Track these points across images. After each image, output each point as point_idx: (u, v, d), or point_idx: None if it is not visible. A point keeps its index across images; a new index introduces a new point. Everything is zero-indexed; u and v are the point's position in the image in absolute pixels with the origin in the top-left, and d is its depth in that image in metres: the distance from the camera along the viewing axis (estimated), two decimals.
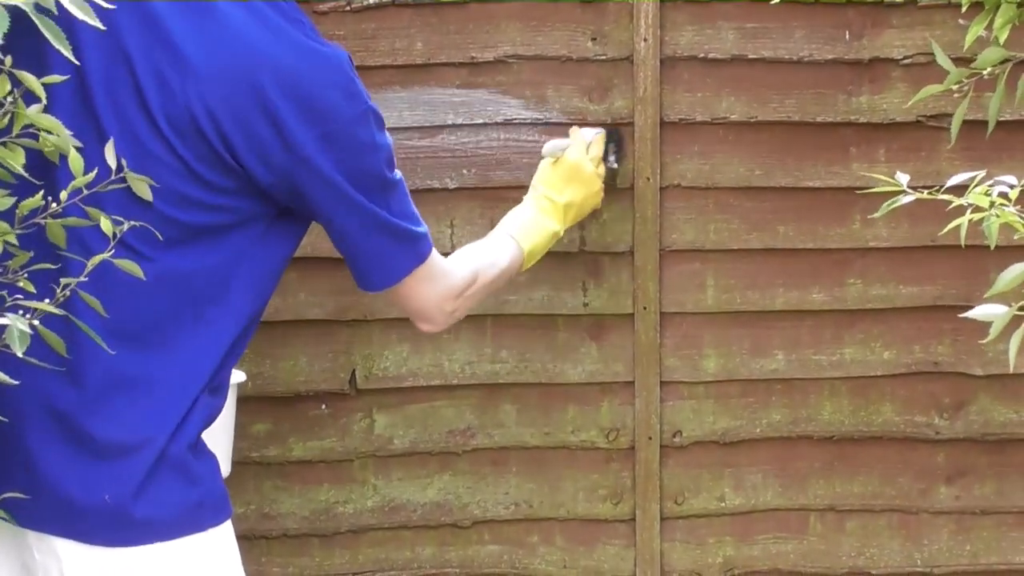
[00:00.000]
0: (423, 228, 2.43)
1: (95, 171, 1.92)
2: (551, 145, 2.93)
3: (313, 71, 2.24)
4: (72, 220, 1.92)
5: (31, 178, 1.94)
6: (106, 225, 1.95)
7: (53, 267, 1.98)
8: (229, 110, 2.20)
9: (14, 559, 2.30)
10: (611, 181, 3.04)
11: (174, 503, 2.25)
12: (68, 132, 1.90)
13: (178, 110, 2.21)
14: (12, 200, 1.89)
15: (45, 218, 1.90)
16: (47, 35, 1.67)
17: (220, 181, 2.24)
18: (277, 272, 2.38)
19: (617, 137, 3.05)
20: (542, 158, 2.93)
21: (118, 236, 1.95)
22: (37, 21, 1.66)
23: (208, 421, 2.30)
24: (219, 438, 2.73)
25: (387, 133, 2.35)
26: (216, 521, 2.31)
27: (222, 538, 2.32)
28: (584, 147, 2.93)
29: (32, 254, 1.94)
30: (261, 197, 2.27)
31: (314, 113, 2.23)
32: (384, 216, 2.35)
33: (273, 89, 2.21)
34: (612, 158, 3.04)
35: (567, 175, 2.89)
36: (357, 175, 2.30)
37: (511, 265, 2.72)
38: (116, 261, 1.95)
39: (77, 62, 1.92)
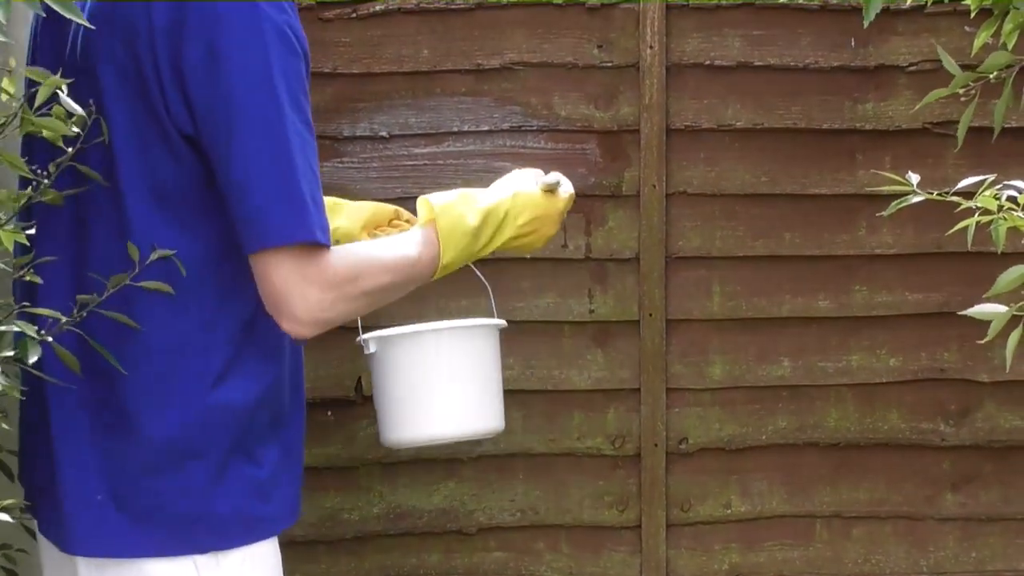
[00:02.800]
0: (317, 207, 2.06)
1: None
2: (548, 177, 2.48)
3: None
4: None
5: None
6: (132, 251, 1.95)
7: (52, 258, 1.98)
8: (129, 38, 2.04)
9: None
10: None
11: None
12: (72, 131, 1.91)
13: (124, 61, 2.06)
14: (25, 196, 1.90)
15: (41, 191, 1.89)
16: (53, 5, 1.69)
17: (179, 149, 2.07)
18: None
19: None
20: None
21: (147, 262, 1.94)
22: None
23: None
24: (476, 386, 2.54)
25: (299, 62, 2.07)
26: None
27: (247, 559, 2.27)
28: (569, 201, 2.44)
29: (33, 254, 1.95)
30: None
31: (202, 29, 2.00)
32: (272, 169, 2.04)
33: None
34: None
35: (544, 211, 2.39)
36: (247, 97, 2.03)
37: (421, 271, 2.27)
38: (143, 284, 1.94)
39: (92, 26, 1.90)
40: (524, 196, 2.36)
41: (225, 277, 2.10)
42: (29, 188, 1.90)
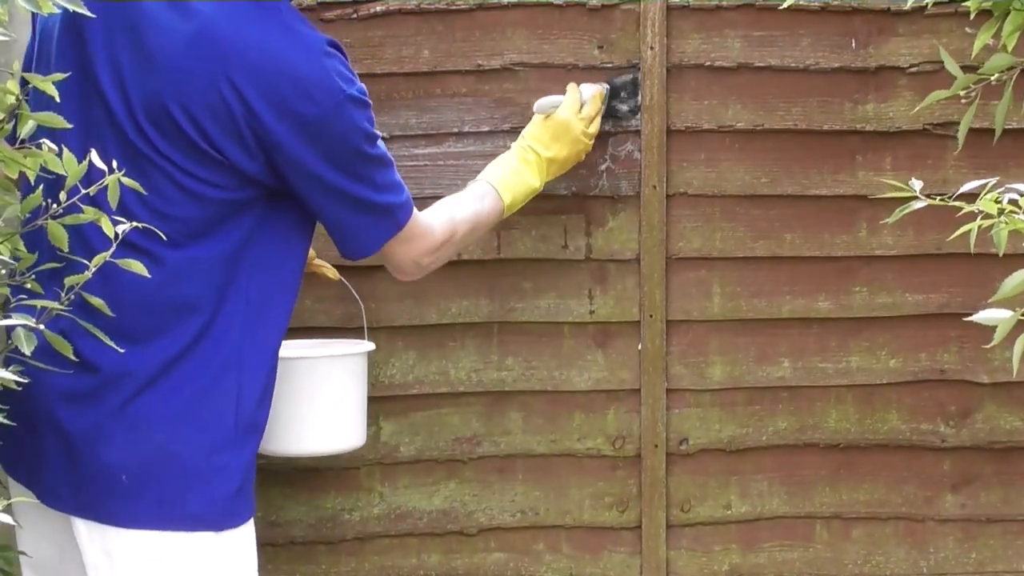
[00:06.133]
0: (403, 197, 2.51)
1: (86, 161, 1.92)
2: (543, 101, 2.96)
3: (284, 64, 2.28)
4: (70, 218, 1.92)
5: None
6: (107, 226, 1.96)
7: (58, 265, 1.99)
8: (203, 105, 2.23)
9: (65, 534, 2.39)
10: (627, 122, 3.08)
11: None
12: (69, 125, 1.92)
13: (157, 109, 2.23)
14: (17, 206, 1.91)
15: (46, 219, 1.90)
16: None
17: (212, 177, 2.27)
18: (292, 251, 2.44)
19: (629, 82, 3.06)
20: (534, 113, 2.97)
21: (120, 236, 1.96)
22: None
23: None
24: (352, 407, 2.90)
25: (369, 110, 2.38)
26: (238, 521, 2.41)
27: (244, 539, 2.42)
28: (576, 106, 2.96)
29: (37, 255, 1.97)
30: (252, 184, 2.31)
31: (285, 108, 2.27)
32: (362, 193, 2.42)
33: (243, 83, 2.25)
34: (625, 106, 3.05)
35: (555, 132, 2.92)
36: (334, 158, 2.36)
37: (490, 217, 2.80)
38: (120, 262, 1.96)
39: (93, 15, 1.95)
40: (536, 135, 2.92)
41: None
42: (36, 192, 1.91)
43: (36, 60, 2.41)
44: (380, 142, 2.44)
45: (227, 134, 2.26)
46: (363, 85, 2.40)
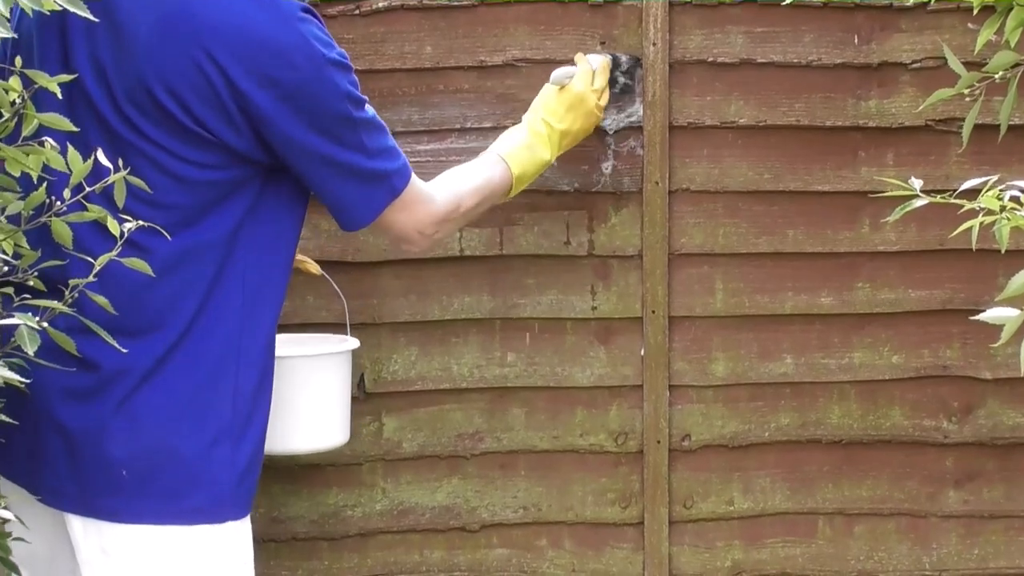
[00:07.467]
0: (398, 162, 2.45)
1: (91, 159, 1.91)
2: (559, 72, 2.94)
3: (260, 33, 2.24)
4: (74, 216, 1.92)
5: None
6: (112, 225, 1.96)
7: (62, 263, 1.99)
8: (185, 81, 2.21)
9: (59, 531, 2.38)
10: (625, 103, 3.08)
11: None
12: (76, 128, 1.91)
13: (140, 92, 2.22)
14: (21, 204, 1.91)
15: (49, 217, 1.90)
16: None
17: (201, 157, 2.25)
18: (286, 232, 2.42)
19: (628, 64, 3.06)
20: (548, 83, 2.95)
21: (126, 235, 1.96)
22: None
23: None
24: (336, 404, 2.91)
25: (351, 74, 2.35)
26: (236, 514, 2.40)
27: (242, 532, 2.41)
28: (589, 78, 2.95)
29: (40, 253, 1.97)
30: (243, 162, 2.30)
31: (265, 76, 2.24)
32: (353, 160, 2.37)
33: (221, 56, 2.22)
34: (624, 79, 3.06)
35: (570, 104, 2.91)
36: (321, 125, 2.32)
37: (498, 188, 2.76)
38: (125, 261, 1.96)
39: (95, 19, 1.94)
40: (551, 107, 2.89)
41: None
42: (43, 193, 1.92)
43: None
44: (368, 106, 2.40)
45: (212, 109, 2.24)
46: (342, 49, 2.36)
